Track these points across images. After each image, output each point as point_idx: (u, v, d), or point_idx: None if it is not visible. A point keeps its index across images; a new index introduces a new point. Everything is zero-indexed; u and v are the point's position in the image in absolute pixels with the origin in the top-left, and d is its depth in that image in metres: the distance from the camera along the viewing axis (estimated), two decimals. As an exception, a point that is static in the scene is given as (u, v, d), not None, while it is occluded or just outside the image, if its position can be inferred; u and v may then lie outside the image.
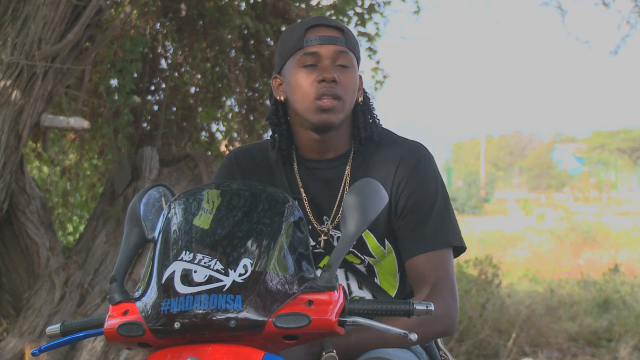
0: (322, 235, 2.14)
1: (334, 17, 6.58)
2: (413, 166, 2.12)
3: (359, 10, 6.79)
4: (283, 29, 6.66)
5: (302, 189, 2.16)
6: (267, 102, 6.73)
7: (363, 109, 2.18)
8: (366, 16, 6.79)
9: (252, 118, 6.76)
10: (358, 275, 2.19)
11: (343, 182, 2.15)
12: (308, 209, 2.15)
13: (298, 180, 2.17)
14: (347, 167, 2.15)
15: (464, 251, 2.15)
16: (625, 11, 7.50)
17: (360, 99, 2.17)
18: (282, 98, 2.15)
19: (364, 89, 2.20)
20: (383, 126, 2.22)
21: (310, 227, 2.14)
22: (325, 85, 2.06)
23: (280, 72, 2.16)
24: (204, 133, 6.90)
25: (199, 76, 6.83)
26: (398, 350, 2.00)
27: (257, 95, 6.75)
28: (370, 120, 2.17)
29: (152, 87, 6.69)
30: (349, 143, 2.17)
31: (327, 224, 2.15)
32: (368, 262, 2.17)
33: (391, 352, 1.97)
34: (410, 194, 2.10)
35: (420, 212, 2.09)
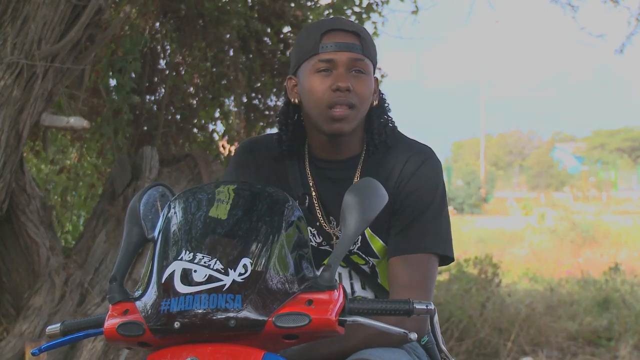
0: (334, 238, 2.13)
1: (332, 17, 6.58)
2: (416, 168, 2.10)
3: (357, 9, 6.79)
4: (283, 29, 6.66)
5: (312, 186, 2.15)
6: (268, 102, 6.74)
7: (378, 112, 2.15)
8: (364, 15, 6.78)
9: (252, 118, 6.76)
10: (362, 276, 2.19)
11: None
12: (317, 208, 2.14)
13: (309, 176, 2.16)
14: (358, 170, 2.14)
15: (451, 261, 2.13)
16: (634, 8, 7.47)
17: (376, 102, 2.14)
18: (297, 100, 2.12)
19: (379, 90, 2.17)
20: (397, 128, 2.18)
21: (317, 223, 2.14)
22: (339, 94, 2.03)
23: (296, 73, 2.13)
24: (203, 133, 6.89)
25: (199, 76, 6.83)
26: (385, 350, 1.98)
27: (257, 95, 6.75)
28: (384, 124, 2.15)
29: (152, 87, 6.69)
30: (361, 146, 2.15)
31: (333, 224, 2.14)
32: (372, 262, 2.17)
33: (376, 352, 1.95)
34: (408, 194, 2.09)
35: (413, 214, 2.08)
